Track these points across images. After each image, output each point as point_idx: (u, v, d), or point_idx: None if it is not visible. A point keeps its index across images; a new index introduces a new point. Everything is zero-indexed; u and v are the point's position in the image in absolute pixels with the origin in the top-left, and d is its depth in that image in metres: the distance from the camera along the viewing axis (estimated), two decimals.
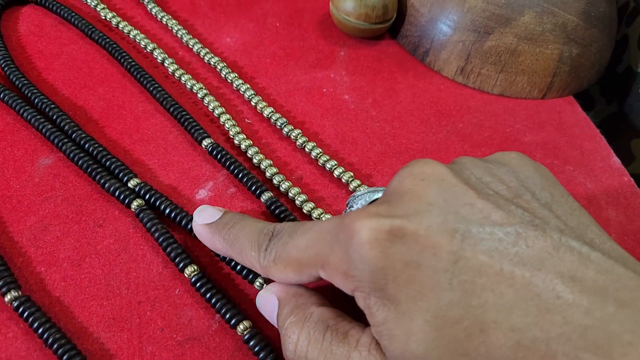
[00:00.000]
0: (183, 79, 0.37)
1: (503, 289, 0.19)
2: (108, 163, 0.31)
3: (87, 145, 0.32)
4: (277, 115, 0.36)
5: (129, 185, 0.30)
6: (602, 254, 0.19)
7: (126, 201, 0.30)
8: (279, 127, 0.35)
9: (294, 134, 0.35)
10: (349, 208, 0.28)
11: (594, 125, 0.40)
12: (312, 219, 0.31)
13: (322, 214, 0.31)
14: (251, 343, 0.25)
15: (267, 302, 0.25)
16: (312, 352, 0.22)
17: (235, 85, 0.37)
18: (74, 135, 0.32)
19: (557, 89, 0.41)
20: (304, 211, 0.31)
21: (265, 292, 0.25)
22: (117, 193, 0.30)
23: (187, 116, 0.34)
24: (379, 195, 0.26)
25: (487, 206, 0.20)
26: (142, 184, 0.30)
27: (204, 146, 0.33)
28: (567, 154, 0.37)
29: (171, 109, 0.35)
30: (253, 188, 0.32)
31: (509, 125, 0.39)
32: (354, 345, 0.21)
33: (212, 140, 0.33)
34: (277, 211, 0.31)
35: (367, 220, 0.20)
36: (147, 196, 0.30)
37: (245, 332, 0.26)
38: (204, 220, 0.27)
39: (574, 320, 0.18)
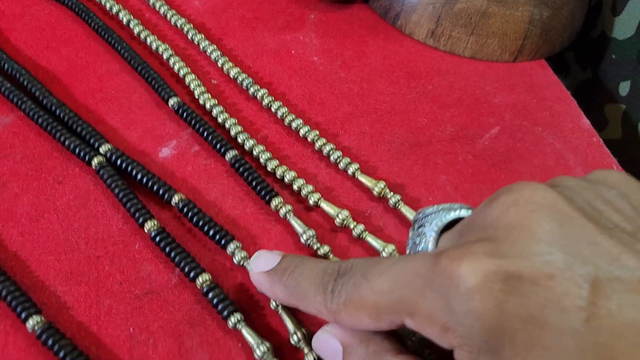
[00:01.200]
0: (149, 40, 0.36)
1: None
2: (78, 128, 0.31)
3: (50, 106, 0.31)
4: (244, 75, 0.35)
5: (101, 151, 0.30)
6: None
7: (87, 158, 0.29)
8: (245, 88, 0.35)
9: (259, 94, 0.34)
10: (419, 228, 0.23)
11: (564, 88, 0.40)
12: (276, 177, 0.31)
13: (286, 170, 0.31)
14: (210, 295, 0.25)
15: (328, 346, 0.22)
16: None
17: (202, 47, 0.37)
18: (37, 94, 0.32)
19: (528, 51, 0.40)
20: (269, 169, 0.31)
21: (324, 334, 0.22)
22: (77, 150, 0.29)
23: (154, 75, 0.34)
24: (457, 214, 0.22)
25: (614, 245, 0.17)
26: (113, 150, 0.30)
27: (170, 105, 0.33)
28: (536, 116, 0.37)
29: (138, 68, 0.34)
30: (218, 146, 0.31)
31: (479, 87, 0.38)
32: None
33: (179, 99, 0.33)
34: (241, 169, 0.30)
35: (473, 263, 0.17)
36: (114, 158, 0.30)
37: (204, 285, 0.25)
38: (261, 267, 0.24)
39: None
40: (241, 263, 0.27)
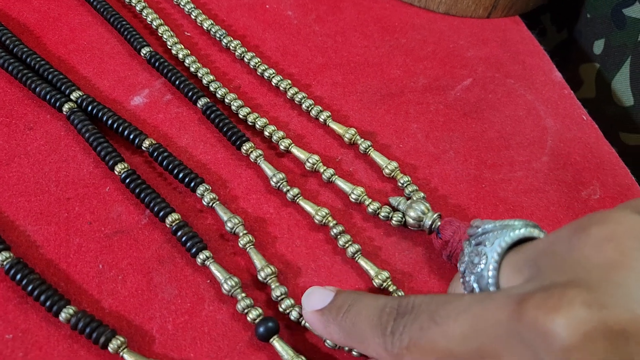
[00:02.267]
0: None
1: None
2: (50, 76, 0.31)
3: (21, 54, 0.31)
4: (217, 27, 0.35)
5: (72, 97, 0.30)
6: None
7: (57, 104, 0.29)
8: (218, 39, 0.35)
9: (232, 45, 0.34)
10: (477, 245, 0.21)
11: (538, 43, 0.40)
12: (247, 124, 0.31)
13: (257, 117, 0.31)
14: (179, 233, 0.25)
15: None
16: None
17: (174, 0, 0.37)
18: (7, 43, 0.32)
19: (502, 7, 0.41)
20: (240, 116, 0.31)
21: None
22: (48, 97, 0.29)
23: (127, 25, 0.34)
24: (522, 233, 0.20)
25: None
26: (84, 96, 0.30)
27: (142, 55, 0.33)
28: (509, 69, 0.38)
29: (111, 19, 0.34)
30: (189, 94, 0.31)
31: (453, 41, 0.39)
32: None
33: (151, 49, 0.33)
34: (212, 115, 0.31)
35: (569, 317, 0.14)
36: (84, 105, 0.30)
37: (174, 224, 0.26)
38: (314, 306, 0.22)
39: None
40: (210, 204, 0.27)
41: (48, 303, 0.23)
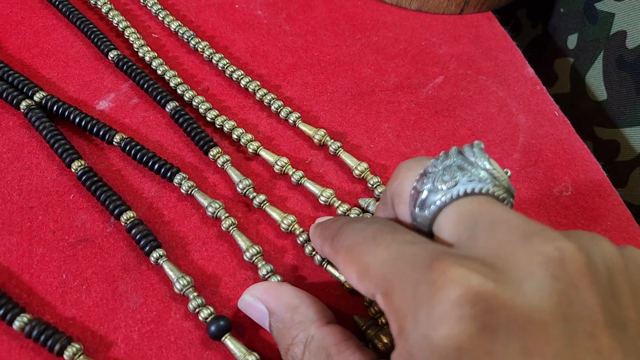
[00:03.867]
0: None
1: None
2: (10, 79, 0.30)
3: None
4: (185, 29, 0.35)
5: (35, 98, 0.29)
6: None
7: (14, 102, 0.29)
8: (186, 40, 0.35)
9: (200, 46, 0.34)
10: (458, 170, 0.20)
11: (510, 39, 0.40)
12: (216, 127, 0.31)
13: (225, 120, 0.30)
14: (133, 231, 0.25)
15: (254, 310, 0.23)
16: None
17: (142, 1, 0.36)
18: None
19: (474, 3, 0.40)
20: (208, 119, 0.31)
21: (250, 297, 0.23)
22: (5, 95, 0.29)
23: (94, 28, 0.33)
24: (495, 193, 0.19)
25: (614, 347, 0.15)
26: (49, 97, 0.29)
27: (110, 58, 0.32)
28: (481, 65, 0.37)
29: (77, 22, 0.34)
30: (158, 98, 0.31)
31: (425, 38, 0.38)
32: None
33: (119, 52, 0.33)
34: (180, 120, 0.30)
35: (468, 275, 0.15)
36: (51, 105, 0.29)
37: (128, 222, 0.25)
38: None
39: None
40: (190, 192, 0.27)
41: (1, 311, 0.22)
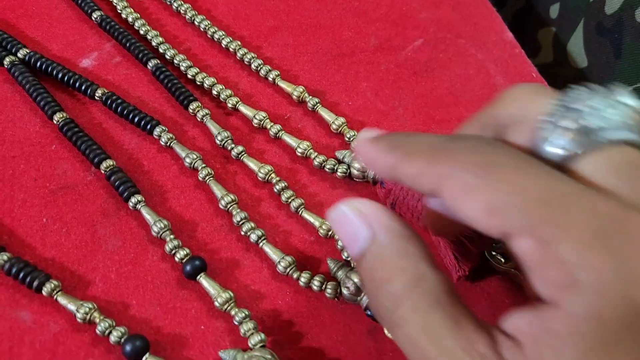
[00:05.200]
0: None
1: None
2: None
3: None
4: None
5: (19, 55, 0.30)
6: None
7: None
8: (168, 3, 0.35)
9: (183, 9, 0.35)
10: (607, 108, 0.16)
11: (490, 5, 0.40)
12: (196, 84, 0.31)
13: (205, 77, 0.31)
14: (112, 178, 0.26)
15: (350, 226, 0.18)
16: (413, 329, 0.15)
17: None
18: None
19: None
20: (189, 76, 0.31)
21: (350, 210, 0.18)
22: None
23: None
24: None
25: None
26: (32, 53, 0.30)
27: (93, 18, 0.33)
28: (460, 29, 0.38)
29: None
30: (140, 56, 0.32)
31: (406, 3, 0.39)
32: (466, 348, 0.15)
33: (102, 13, 0.33)
34: (161, 76, 0.31)
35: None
36: (34, 62, 0.30)
37: (108, 170, 0.26)
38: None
39: None
40: (168, 144, 0.28)
41: None
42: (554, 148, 0.16)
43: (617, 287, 0.13)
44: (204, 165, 0.27)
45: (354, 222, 0.17)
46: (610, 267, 0.13)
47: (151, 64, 0.31)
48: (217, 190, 0.27)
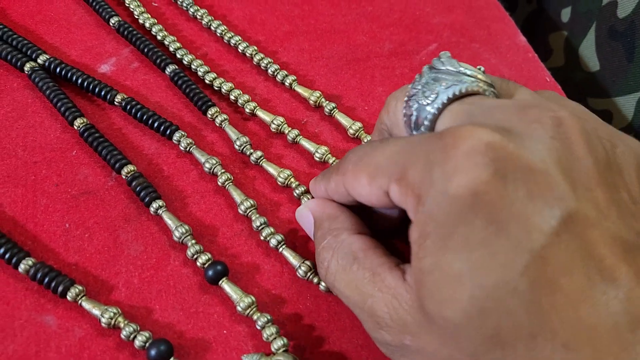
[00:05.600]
0: None
1: (580, 304, 0.15)
2: (14, 42, 0.31)
3: None
4: None
5: (39, 61, 0.30)
6: None
7: (18, 64, 0.30)
8: (185, 9, 0.35)
9: (199, 14, 0.35)
10: (434, 82, 0.21)
11: (503, 8, 0.41)
12: (214, 89, 0.32)
13: (223, 82, 0.31)
14: (133, 184, 0.26)
15: (304, 218, 0.24)
16: (340, 282, 0.20)
17: None
18: None
19: None
20: (206, 81, 0.32)
21: (303, 208, 0.24)
22: (10, 57, 0.30)
23: None
24: (475, 87, 0.20)
25: (609, 200, 0.16)
26: (52, 59, 0.30)
27: (111, 24, 0.33)
28: (474, 34, 0.38)
29: None
30: (158, 61, 0.32)
31: (419, 8, 0.39)
32: (379, 286, 0.19)
33: (120, 18, 0.33)
34: (179, 81, 0.31)
35: (477, 130, 0.17)
36: (54, 67, 0.30)
37: (129, 175, 0.26)
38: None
39: None
40: (188, 149, 0.28)
41: (7, 255, 0.23)
42: (416, 131, 0.21)
43: (437, 189, 0.17)
44: (223, 170, 0.27)
45: (307, 216, 0.24)
46: (432, 176, 0.17)
47: (169, 69, 0.31)
48: (237, 195, 0.27)
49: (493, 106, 0.19)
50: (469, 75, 0.20)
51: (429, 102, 0.20)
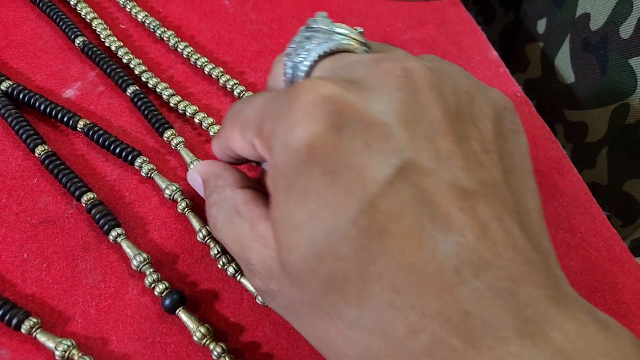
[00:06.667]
0: None
1: (407, 249, 0.16)
2: None
3: None
4: (151, 19, 0.35)
5: (1, 87, 0.30)
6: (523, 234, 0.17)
7: None
8: (152, 30, 0.35)
9: (166, 35, 0.35)
10: (307, 39, 0.21)
11: (475, 23, 0.40)
12: (178, 113, 0.32)
13: (187, 105, 0.31)
14: (92, 212, 0.26)
15: (194, 181, 0.25)
16: (225, 236, 0.21)
17: None
18: None
19: None
20: (171, 104, 0.32)
21: (192, 171, 0.26)
22: None
23: (63, 16, 0.34)
24: (344, 45, 0.21)
25: (454, 150, 0.17)
26: (15, 85, 0.30)
27: (76, 44, 0.33)
28: (445, 49, 0.38)
29: (47, 10, 0.35)
30: (120, 82, 0.32)
31: (390, 24, 0.39)
32: (254, 236, 0.20)
33: (85, 38, 0.33)
34: (139, 103, 0.31)
35: (318, 83, 0.17)
36: (17, 94, 0.30)
37: (88, 203, 0.26)
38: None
39: (461, 304, 0.15)
40: (149, 175, 0.28)
41: None
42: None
43: (280, 141, 0.17)
44: (183, 196, 0.27)
45: (195, 178, 0.25)
46: (278, 128, 0.18)
47: (130, 90, 0.31)
48: (195, 222, 0.27)
49: (354, 61, 0.19)
50: (340, 34, 0.21)
51: (301, 59, 0.21)
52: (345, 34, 0.21)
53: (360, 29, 0.22)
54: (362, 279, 0.16)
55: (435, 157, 0.17)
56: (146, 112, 0.30)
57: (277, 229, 0.18)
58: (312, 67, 0.21)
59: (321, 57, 0.20)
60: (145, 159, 0.29)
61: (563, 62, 0.43)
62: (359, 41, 0.21)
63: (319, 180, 0.16)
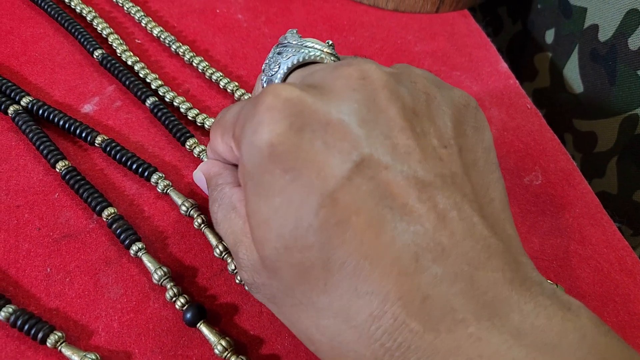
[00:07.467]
0: (73, 3, 0.37)
1: (367, 238, 0.17)
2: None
3: None
4: (166, 34, 0.36)
5: (22, 103, 0.31)
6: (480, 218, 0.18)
7: (2, 107, 0.30)
8: (167, 45, 0.36)
9: (181, 50, 0.35)
10: (279, 54, 0.23)
11: (485, 35, 0.41)
12: (197, 125, 0.32)
13: (206, 118, 0.32)
14: (113, 226, 0.26)
15: (199, 180, 0.27)
16: (224, 231, 0.23)
17: (126, 9, 0.38)
18: None
19: (450, 2, 0.42)
20: (189, 117, 0.32)
21: (196, 171, 0.27)
22: None
23: (81, 29, 0.35)
24: (311, 55, 0.22)
25: (411, 145, 0.18)
26: (35, 101, 0.31)
27: (95, 56, 0.34)
28: (455, 61, 0.39)
29: (65, 24, 0.35)
30: (139, 94, 0.32)
31: (401, 37, 0.40)
32: (246, 232, 0.21)
33: (104, 51, 0.34)
34: (159, 114, 0.32)
35: (279, 88, 0.18)
36: (37, 109, 0.31)
37: (109, 218, 0.27)
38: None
39: (420, 289, 0.16)
40: (165, 190, 0.29)
41: None
42: None
43: (246, 141, 0.19)
44: (199, 212, 0.28)
45: (200, 177, 0.26)
46: (245, 130, 0.19)
47: (149, 101, 0.32)
48: (212, 238, 0.27)
49: (318, 69, 0.21)
50: (308, 47, 0.22)
51: (273, 73, 0.22)
52: (312, 46, 0.22)
53: (330, 42, 0.23)
54: (327, 267, 0.17)
55: (393, 152, 0.18)
56: (167, 122, 0.31)
57: (250, 224, 0.19)
58: (284, 79, 0.22)
59: (290, 69, 0.22)
60: (161, 175, 0.29)
61: (572, 72, 0.44)
62: (328, 52, 0.22)
63: (281, 178, 0.18)
